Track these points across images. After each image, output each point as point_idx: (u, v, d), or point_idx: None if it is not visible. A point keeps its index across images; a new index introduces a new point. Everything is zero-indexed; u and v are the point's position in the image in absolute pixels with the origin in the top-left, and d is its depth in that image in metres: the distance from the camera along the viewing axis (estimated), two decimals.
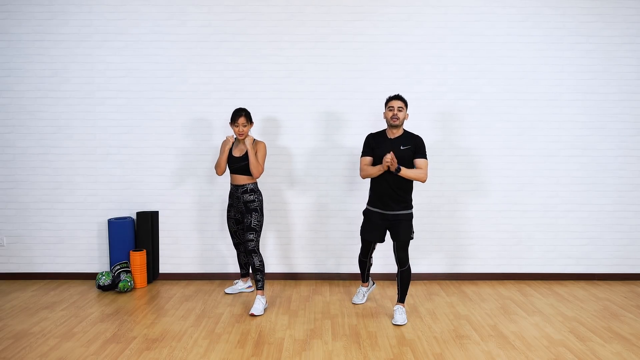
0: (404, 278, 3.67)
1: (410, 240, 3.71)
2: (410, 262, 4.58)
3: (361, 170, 3.74)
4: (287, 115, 4.56)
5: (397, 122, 3.58)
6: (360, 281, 4.18)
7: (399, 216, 3.65)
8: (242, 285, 4.33)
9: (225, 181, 4.56)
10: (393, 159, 3.46)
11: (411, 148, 3.60)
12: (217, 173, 3.98)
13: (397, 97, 3.64)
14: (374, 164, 3.70)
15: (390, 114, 3.60)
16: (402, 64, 4.53)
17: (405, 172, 3.52)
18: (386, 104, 3.67)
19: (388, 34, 4.51)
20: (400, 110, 3.59)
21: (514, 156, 4.61)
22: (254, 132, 4.52)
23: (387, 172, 3.58)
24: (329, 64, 4.53)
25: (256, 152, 3.84)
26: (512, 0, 4.49)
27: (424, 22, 4.50)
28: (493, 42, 4.52)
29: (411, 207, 3.69)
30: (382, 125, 4.42)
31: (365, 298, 4.10)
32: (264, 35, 4.50)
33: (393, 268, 4.65)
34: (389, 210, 3.65)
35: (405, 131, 3.67)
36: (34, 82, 4.52)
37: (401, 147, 3.60)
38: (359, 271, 4.61)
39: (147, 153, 4.59)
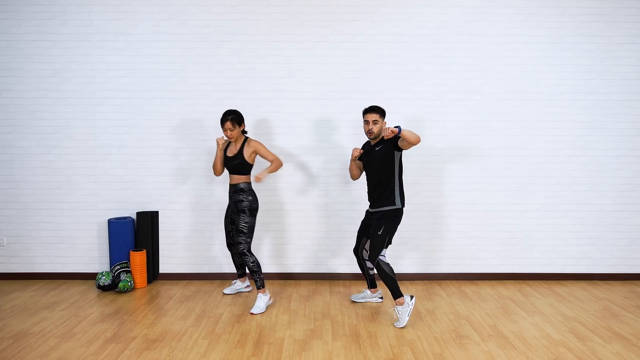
0: (379, 275, 3.71)
1: (379, 240, 3.65)
2: (410, 261, 4.60)
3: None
4: (287, 115, 4.56)
5: (371, 137, 3.70)
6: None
7: (374, 214, 3.77)
8: (240, 285, 4.32)
9: (224, 181, 4.57)
10: (389, 129, 3.42)
11: (385, 145, 3.66)
12: (214, 174, 4.06)
13: (372, 110, 3.67)
14: (364, 167, 3.88)
15: (366, 127, 3.70)
16: (402, 64, 4.53)
17: (405, 131, 3.44)
18: (363, 115, 3.74)
19: (388, 34, 4.51)
20: (375, 124, 3.65)
21: (514, 156, 4.60)
22: (253, 131, 4.52)
23: (370, 168, 3.74)
24: (328, 64, 4.53)
25: (256, 153, 3.91)
26: (513, 0, 4.49)
27: (425, 22, 4.50)
28: (493, 42, 4.52)
29: (391, 204, 3.67)
30: None
31: (364, 300, 4.09)
32: (264, 35, 4.50)
33: (395, 268, 4.64)
34: (373, 208, 3.81)
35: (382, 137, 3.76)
36: (34, 82, 4.52)
37: (376, 149, 3.72)
38: (358, 271, 4.63)
39: (147, 153, 4.59)
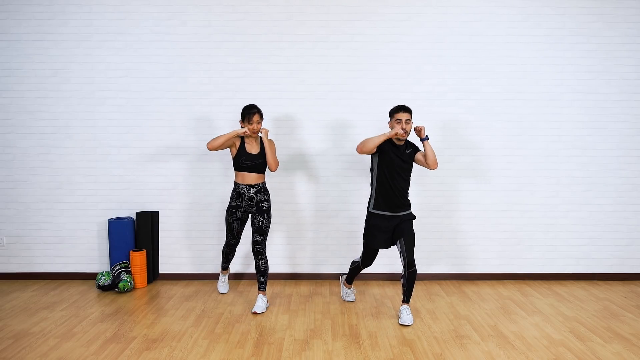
0: (411, 279, 3.60)
1: (414, 239, 3.69)
2: None
3: (361, 142, 3.59)
4: (287, 115, 4.56)
5: (405, 137, 3.61)
6: (345, 283, 4.12)
7: (403, 217, 3.71)
8: (225, 277, 4.34)
9: (225, 181, 4.57)
10: (422, 129, 3.60)
11: (413, 150, 3.71)
12: (208, 147, 3.72)
13: (405, 109, 3.61)
14: (379, 162, 3.65)
15: (398, 127, 3.54)
16: (402, 64, 4.53)
17: (430, 144, 3.62)
18: (392, 114, 3.66)
19: (388, 34, 4.51)
20: (408, 123, 3.60)
21: (514, 156, 4.60)
22: None
23: (397, 171, 3.61)
24: (328, 64, 4.53)
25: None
26: (513, 0, 4.49)
27: (424, 22, 4.50)
28: (493, 42, 4.52)
29: (409, 204, 3.77)
30: (381, 125, 4.43)
31: (354, 295, 4.13)
32: (264, 35, 4.50)
33: (394, 268, 4.65)
34: (397, 212, 3.68)
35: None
36: (34, 82, 4.52)
37: (406, 152, 3.68)
38: None
39: (147, 153, 4.59)
